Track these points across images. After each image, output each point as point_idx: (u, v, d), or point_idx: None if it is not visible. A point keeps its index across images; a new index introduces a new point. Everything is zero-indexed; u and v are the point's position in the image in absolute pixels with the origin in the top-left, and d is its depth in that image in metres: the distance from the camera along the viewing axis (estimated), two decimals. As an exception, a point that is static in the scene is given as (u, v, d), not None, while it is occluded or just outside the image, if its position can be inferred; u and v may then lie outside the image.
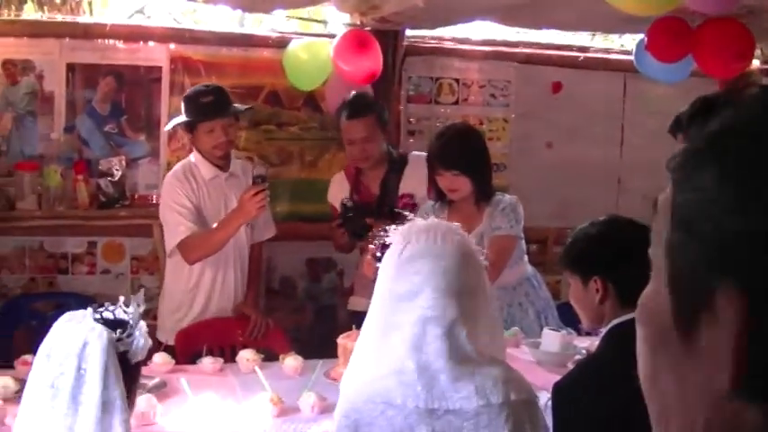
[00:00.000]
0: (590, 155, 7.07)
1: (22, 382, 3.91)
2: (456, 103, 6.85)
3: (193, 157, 5.29)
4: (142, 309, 2.55)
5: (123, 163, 6.08)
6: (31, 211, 5.95)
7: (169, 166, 6.11)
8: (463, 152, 4.95)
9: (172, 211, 5.11)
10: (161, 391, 3.99)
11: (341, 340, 4.27)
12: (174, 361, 4.51)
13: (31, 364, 4.15)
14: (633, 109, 7.21)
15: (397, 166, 5.56)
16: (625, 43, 7.85)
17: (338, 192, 5.60)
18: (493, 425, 2.55)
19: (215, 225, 5.09)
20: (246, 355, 4.47)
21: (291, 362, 4.39)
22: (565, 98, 7.04)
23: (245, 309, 5.32)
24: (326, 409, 3.84)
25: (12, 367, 4.26)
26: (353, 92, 5.59)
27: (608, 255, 3.15)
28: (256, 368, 4.15)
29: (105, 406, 2.38)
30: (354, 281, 5.78)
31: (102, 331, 2.40)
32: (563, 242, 6.73)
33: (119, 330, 2.45)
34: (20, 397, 3.74)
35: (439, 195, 5.07)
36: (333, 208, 5.61)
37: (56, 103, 6.13)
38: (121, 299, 2.57)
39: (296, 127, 6.46)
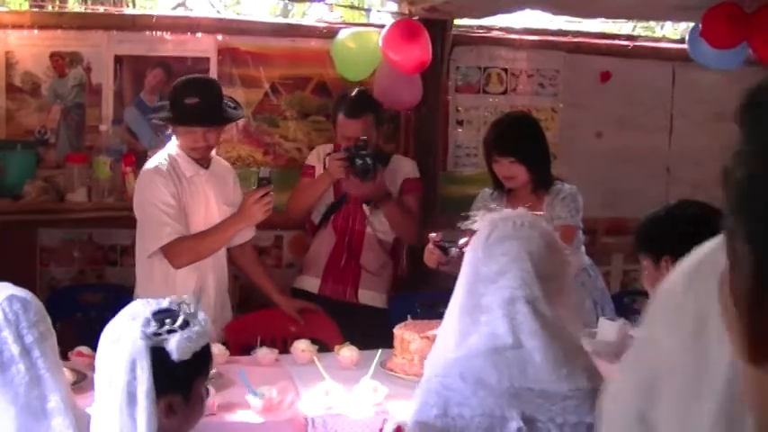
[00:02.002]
0: (639, 144, 7.01)
1: (78, 374, 3.92)
2: (504, 92, 6.78)
3: (173, 150, 4.90)
4: (198, 307, 2.61)
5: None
6: (81, 204, 5.93)
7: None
8: (519, 139, 4.98)
9: (155, 210, 4.73)
10: (218, 382, 3.97)
11: (397, 331, 4.24)
12: (228, 352, 4.50)
13: (87, 355, 4.18)
14: (682, 98, 7.12)
15: (381, 159, 5.50)
16: (668, 34, 7.80)
17: (322, 157, 5.59)
18: (579, 410, 2.55)
19: (206, 228, 4.85)
20: (301, 346, 4.43)
21: (347, 353, 4.36)
22: (613, 87, 6.96)
23: (284, 305, 5.19)
24: (387, 399, 3.82)
25: (66, 359, 4.25)
26: (356, 89, 5.64)
27: (676, 234, 3.16)
28: (315, 359, 4.12)
29: (130, 397, 2.43)
30: (304, 262, 5.78)
31: (139, 321, 2.48)
32: (612, 232, 6.70)
33: (156, 325, 2.48)
34: (78, 388, 3.77)
35: (496, 184, 5.05)
36: (309, 167, 5.63)
37: (104, 95, 6.12)
38: (186, 298, 2.63)
39: (344, 118, 6.36)
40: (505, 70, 6.79)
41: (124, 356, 2.43)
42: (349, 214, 5.57)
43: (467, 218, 2.95)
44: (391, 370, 4.14)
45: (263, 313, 5.27)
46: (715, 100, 7.05)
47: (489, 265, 2.70)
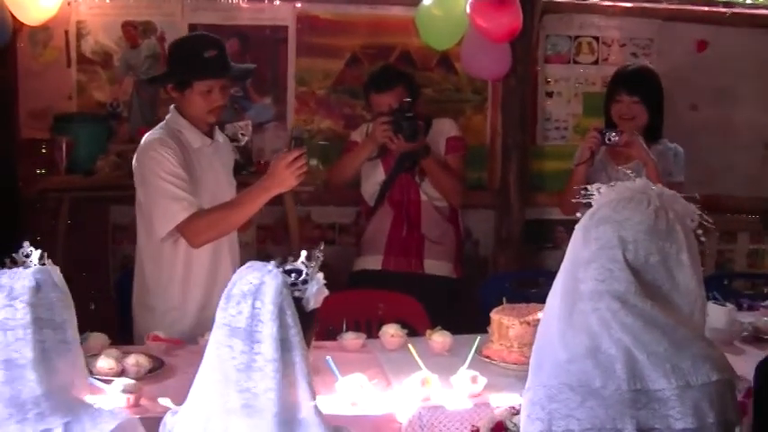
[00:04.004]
0: (736, 117, 6.80)
1: (154, 360, 3.73)
2: (596, 62, 6.60)
3: (175, 121, 4.48)
4: (320, 261, 2.64)
5: (250, 128, 5.85)
6: (155, 179, 5.79)
7: (297, 131, 5.97)
8: (646, 82, 5.27)
9: (164, 183, 4.25)
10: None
11: (494, 315, 3.98)
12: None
13: (163, 340, 3.99)
14: (783, 68, 6.84)
15: (425, 124, 5.47)
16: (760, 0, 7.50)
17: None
18: (699, 411, 2.26)
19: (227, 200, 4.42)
20: (391, 331, 4.18)
21: (439, 338, 4.10)
22: (710, 57, 6.74)
23: None
24: (485, 389, 3.56)
25: (142, 343, 4.05)
26: (380, 66, 5.82)
27: None
28: (409, 346, 3.85)
29: (284, 343, 2.47)
30: (362, 244, 5.71)
31: (276, 273, 2.51)
32: (706, 210, 6.42)
33: (294, 275, 2.55)
34: (154, 376, 3.58)
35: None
36: (353, 143, 5.59)
37: (178, 66, 6.01)
38: (303, 253, 2.63)
39: (430, 89, 6.24)
40: (597, 39, 6.62)
41: (268, 307, 2.47)
42: (402, 187, 5.53)
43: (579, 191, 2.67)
44: (488, 357, 3.88)
45: (346, 294, 5.01)
46: (818, 71, 6.80)
47: (585, 250, 2.44)
